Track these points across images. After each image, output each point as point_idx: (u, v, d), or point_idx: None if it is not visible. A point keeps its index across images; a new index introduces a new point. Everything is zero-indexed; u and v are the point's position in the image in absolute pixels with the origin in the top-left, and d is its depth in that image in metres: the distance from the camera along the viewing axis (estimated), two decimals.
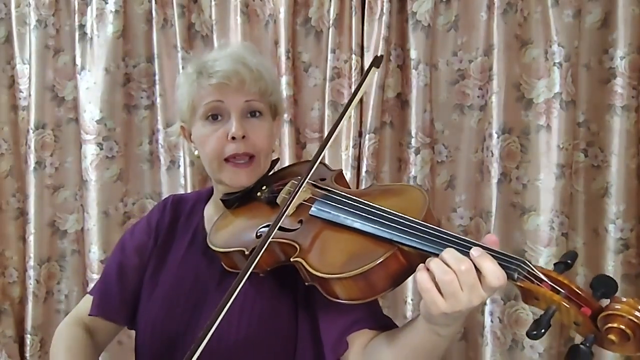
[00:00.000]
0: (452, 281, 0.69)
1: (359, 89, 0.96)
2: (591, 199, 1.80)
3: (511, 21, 1.75)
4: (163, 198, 1.69)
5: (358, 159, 1.87)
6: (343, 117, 0.93)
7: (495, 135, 1.78)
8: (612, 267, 1.75)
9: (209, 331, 0.75)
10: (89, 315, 1.10)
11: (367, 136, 1.83)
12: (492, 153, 1.80)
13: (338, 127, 0.93)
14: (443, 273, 0.69)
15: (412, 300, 1.85)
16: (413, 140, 1.84)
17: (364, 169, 1.84)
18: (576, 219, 1.82)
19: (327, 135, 0.92)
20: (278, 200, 0.97)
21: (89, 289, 2.01)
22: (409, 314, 1.86)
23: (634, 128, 1.72)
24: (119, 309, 1.10)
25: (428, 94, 1.83)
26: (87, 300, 1.13)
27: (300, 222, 0.89)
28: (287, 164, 1.82)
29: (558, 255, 1.75)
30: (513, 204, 1.82)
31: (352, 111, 1.84)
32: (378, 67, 0.99)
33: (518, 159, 1.81)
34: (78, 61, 1.96)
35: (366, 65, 1.86)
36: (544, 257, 1.77)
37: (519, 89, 1.79)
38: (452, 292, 0.69)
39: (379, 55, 1.01)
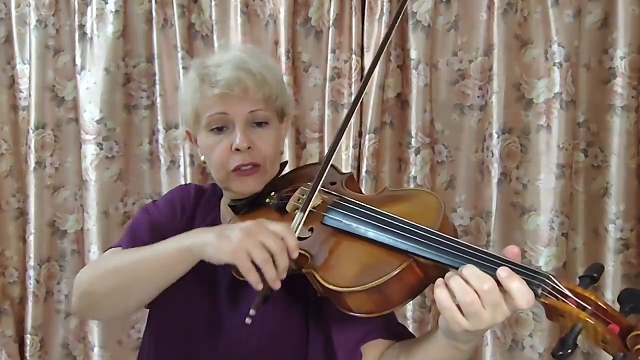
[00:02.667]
0: (474, 302, 0.66)
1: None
2: (591, 199, 1.80)
3: (511, 21, 1.75)
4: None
5: (358, 159, 1.87)
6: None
7: (495, 135, 1.78)
8: (612, 267, 1.75)
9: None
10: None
11: (367, 136, 1.83)
12: (492, 153, 1.80)
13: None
14: (464, 293, 0.66)
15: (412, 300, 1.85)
16: (413, 140, 1.84)
17: (364, 169, 1.84)
18: (576, 219, 1.82)
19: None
20: (287, 208, 0.93)
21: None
22: (409, 314, 1.86)
23: (634, 128, 1.73)
24: None
25: (428, 94, 1.83)
26: (113, 251, 1.00)
27: (311, 230, 0.87)
28: (288, 164, 1.82)
29: (558, 255, 1.75)
30: (513, 204, 1.82)
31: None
32: None
33: (518, 159, 1.81)
34: (78, 61, 1.96)
35: (367, 65, 1.86)
36: (543, 257, 1.77)
37: (519, 89, 1.79)
38: (475, 312, 0.66)
39: None
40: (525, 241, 1.81)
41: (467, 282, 0.67)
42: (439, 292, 0.68)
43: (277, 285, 0.77)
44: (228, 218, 1.02)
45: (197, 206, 1.08)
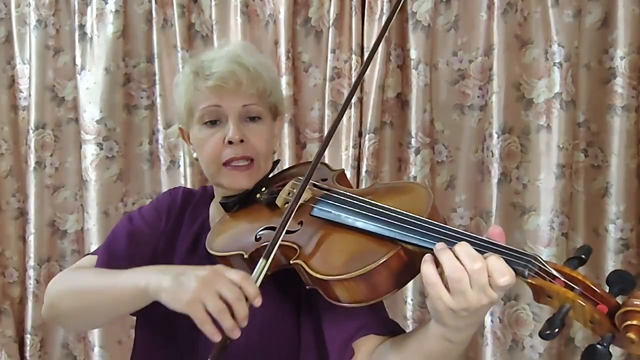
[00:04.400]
0: (461, 279, 0.65)
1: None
2: (591, 199, 1.80)
3: (511, 21, 1.75)
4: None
5: (358, 159, 1.87)
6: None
7: (495, 135, 1.78)
8: (612, 267, 1.75)
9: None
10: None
11: (367, 136, 1.83)
12: (492, 153, 1.80)
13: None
14: (453, 269, 0.65)
15: (412, 300, 1.85)
16: (413, 140, 1.84)
17: (364, 169, 1.84)
18: (576, 219, 1.82)
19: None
20: (277, 202, 0.94)
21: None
22: (409, 313, 1.86)
23: (634, 128, 1.73)
24: None
25: (428, 94, 1.83)
26: (89, 260, 1.03)
27: (301, 223, 0.87)
28: (287, 164, 1.82)
29: (558, 255, 1.75)
30: (513, 204, 1.82)
31: (352, 110, 1.84)
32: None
33: (518, 159, 1.81)
34: (78, 61, 1.96)
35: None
36: (543, 257, 1.76)
37: (519, 89, 1.79)
38: (461, 290, 0.65)
39: None
40: (525, 241, 1.81)
41: (457, 258, 0.66)
42: (426, 267, 0.68)
43: (235, 335, 0.75)
44: (218, 218, 1.03)
45: (184, 211, 1.09)
